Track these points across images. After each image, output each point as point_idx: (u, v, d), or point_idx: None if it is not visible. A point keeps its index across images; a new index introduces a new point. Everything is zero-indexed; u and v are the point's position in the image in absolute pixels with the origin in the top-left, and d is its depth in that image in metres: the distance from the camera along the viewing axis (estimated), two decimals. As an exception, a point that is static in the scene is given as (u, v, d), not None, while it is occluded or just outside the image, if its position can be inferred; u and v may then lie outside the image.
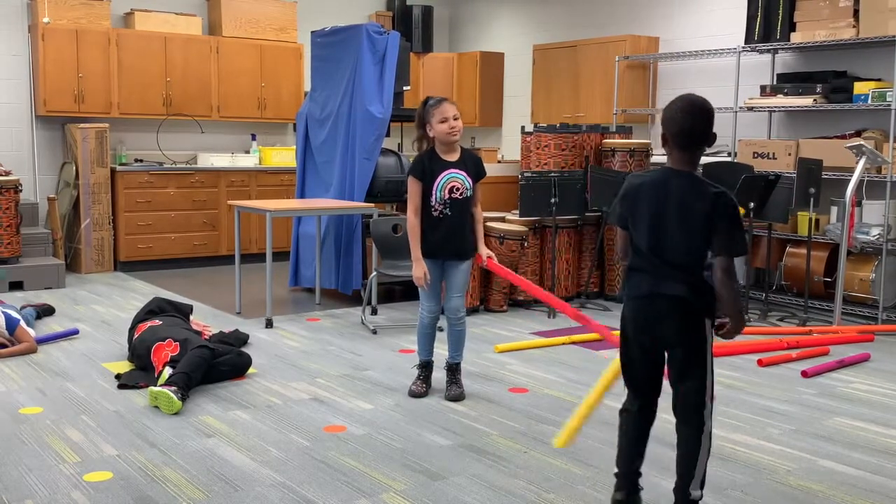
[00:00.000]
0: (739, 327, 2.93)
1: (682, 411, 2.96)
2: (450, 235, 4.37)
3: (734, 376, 5.02)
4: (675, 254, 2.88)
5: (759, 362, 5.25)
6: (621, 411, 3.11)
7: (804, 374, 5.02)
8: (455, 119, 4.35)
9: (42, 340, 5.51)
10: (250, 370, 4.91)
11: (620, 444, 3.11)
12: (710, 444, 2.97)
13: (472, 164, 4.46)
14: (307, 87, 8.17)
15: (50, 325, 6.01)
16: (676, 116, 2.89)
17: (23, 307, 6.00)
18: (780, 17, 7.08)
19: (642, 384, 3.06)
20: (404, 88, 7.12)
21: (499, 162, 9.25)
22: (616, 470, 3.11)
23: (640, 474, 3.11)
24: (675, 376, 2.96)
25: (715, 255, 2.84)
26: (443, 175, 4.37)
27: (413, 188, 4.38)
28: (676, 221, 2.87)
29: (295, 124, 7.78)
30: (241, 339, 5.55)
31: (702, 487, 2.97)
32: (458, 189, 4.37)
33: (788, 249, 7.05)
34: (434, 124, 4.35)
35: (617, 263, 7.18)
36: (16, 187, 7.32)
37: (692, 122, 2.88)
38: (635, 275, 2.98)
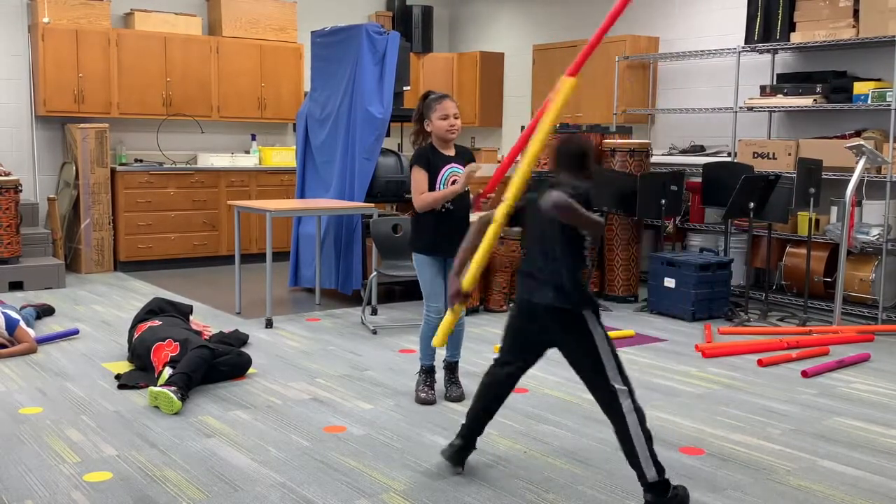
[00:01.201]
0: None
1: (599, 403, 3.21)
2: (453, 230, 4.17)
3: (734, 376, 5.02)
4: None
5: (759, 362, 5.25)
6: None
7: (804, 374, 5.02)
8: (455, 118, 4.32)
9: (42, 340, 5.51)
10: (250, 370, 4.91)
11: (477, 395, 3.52)
12: (640, 420, 3.09)
13: (467, 158, 4.43)
14: (307, 87, 8.18)
15: (50, 326, 6.01)
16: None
17: (23, 307, 6.00)
18: (779, 17, 7.08)
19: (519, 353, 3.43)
20: (404, 88, 7.12)
21: (498, 162, 9.26)
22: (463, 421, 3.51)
23: (480, 432, 3.52)
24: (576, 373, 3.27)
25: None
26: (445, 169, 4.34)
27: (419, 176, 4.28)
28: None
29: (295, 124, 7.79)
30: (241, 339, 5.55)
31: (656, 467, 3.07)
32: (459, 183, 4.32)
33: (788, 249, 7.05)
34: (434, 120, 4.31)
35: (616, 263, 7.18)
36: (16, 187, 7.32)
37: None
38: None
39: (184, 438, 3.87)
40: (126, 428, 4.00)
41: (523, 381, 4.82)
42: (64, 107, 8.28)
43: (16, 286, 7.30)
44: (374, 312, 6.56)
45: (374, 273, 6.20)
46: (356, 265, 6.84)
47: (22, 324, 5.39)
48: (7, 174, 7.39)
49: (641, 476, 3.09)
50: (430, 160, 4.32)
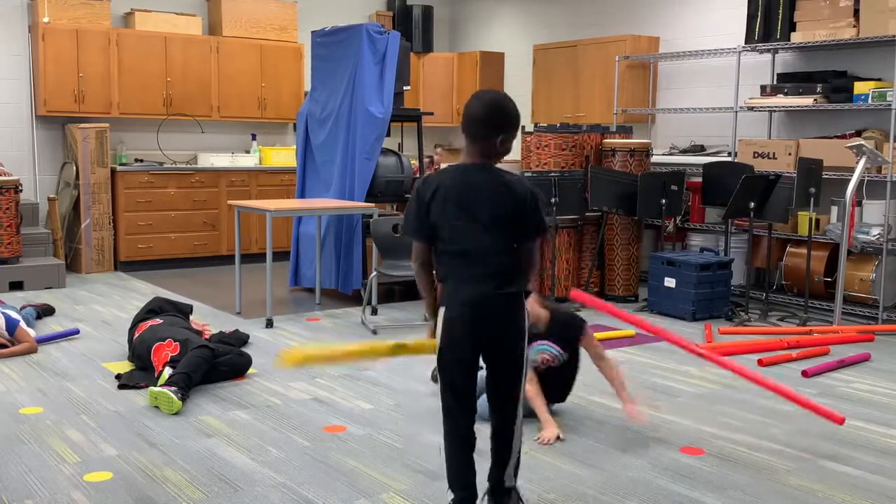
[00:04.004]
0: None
1: None
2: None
3: (734, 376, 5.02)
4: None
5: (760, 362, 5.25)
6: None
7: (804, 373, 5.02)
8: None
9: (42, 340, 5.51)
10: (250, 370, 4.91)
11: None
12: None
13: None
14: (307, 86, 8.17)
15: (50, 325, 6.01)
16: (469, 104, 2.87)
17: (23, 307, 6.00)
18: (780, 17, 7.08)
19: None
20: (404, 88, 7.12)
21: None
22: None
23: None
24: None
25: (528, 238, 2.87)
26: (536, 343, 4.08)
27: None
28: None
29: (295, 124, 7.79)
30: (241, 339, 5.55)
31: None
32: None
33: (789, 249, 7.05)
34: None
35: (616, 263, 7.18)
36: (16, 187, 7.33)
37: (475, 109, 2.84)
38: (449, 283, 2.87)
39: (184, 438, 3.87)
40: (126, 428, 4.00)
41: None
42: (64, 107, 8.28)
43: (16, 286, 7.30)
44: (375, 312, 6.56)
45: (375, 273, 6.20)
46: (356, 265, 6.84)
47: (22, 324, 5.40)
48: (7, 174, 7.39)
49: (502, 478, 2.96)
50: None
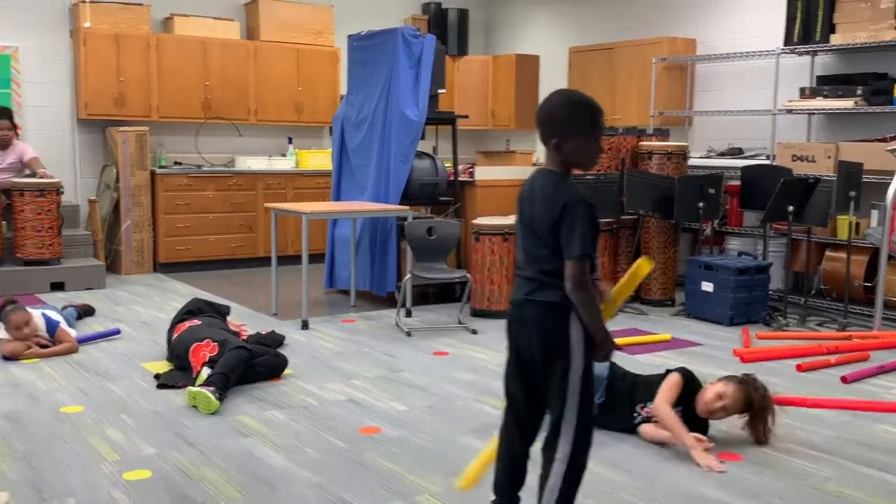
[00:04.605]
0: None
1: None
2: None
3: (773, 381, 4.95)
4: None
5: (798, 367, 5.19)
6: None
7: (844, 379, 4.95)
8: None
9: (84, 340, 5.59)
10: (286, 371, 4.95)
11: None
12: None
13: None
14: (343, 90, 8.22)
15: (90, 326, 6.10)
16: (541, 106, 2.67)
17: (64, 307, 6.10)
18: (819, 19, 7.00)
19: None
20: (439, 91, 7.13)
21: (534, 165, 9.24)
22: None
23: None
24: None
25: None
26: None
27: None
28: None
29: (331, 127, 7.83)
30: (277, 340, 5.59)
31: None
32: None
33: (828, 254, 6.96)
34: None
35: (653, 267, 7.13)
36: (58, 189, 7.45)
37: (540, 109, 2.65)
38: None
39: (221, 438, 3.91)
40: (165, 427, 4.05)
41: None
42: (105, 110, 8.40)
43: (57, 287, 7.42)
44: (409, 314, 6.58)
45: (409, 275, 6.22)
46: (391, 267, 6.86)
47: (63, 325, 5.48)
48: (49, 176, 7.52)
49: None
50: None
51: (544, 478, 2.67)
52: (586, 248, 2.56)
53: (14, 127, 7.64)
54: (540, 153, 10.13)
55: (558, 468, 2.62)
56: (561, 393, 2.61)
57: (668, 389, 3.88)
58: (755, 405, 3.87)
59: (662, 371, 4.07)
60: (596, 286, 2.67)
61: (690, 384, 3.95)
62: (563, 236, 2.57)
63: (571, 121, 2.61)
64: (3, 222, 7.36)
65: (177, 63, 8.65)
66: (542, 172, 2.71)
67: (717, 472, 3.58)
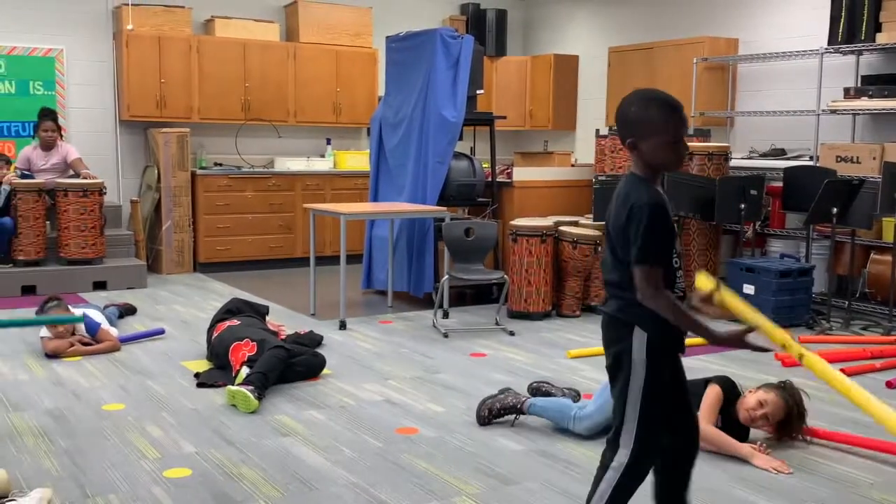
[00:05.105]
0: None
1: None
2: None
3: (816, 386, 4.87)
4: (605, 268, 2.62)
5: (842, 372, 5.09)
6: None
7: (889, 384, 4.85)
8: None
9: (128, 339, 5.66)
10: (324, 371, 4.97)
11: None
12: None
13: None
14: (381, 91, 8.24)
15: (132, 325, 6.18)
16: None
17: (106, 307, 6.18)
18: (864, 18, 6.87)
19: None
20: (478, 92, 7.12)
21: (572, 166, 9.19)
22: None
23: None
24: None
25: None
26: None
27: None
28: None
29: (369, 128, 7.86)
30: (315, 340, 5.62)
31: None
32: None
33: (872, 256, 6.84)
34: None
35: (693, 269, 7.06)
36: (100, 190, 7.56)
37: (617, 109, 2.54)
38: None
39: (260, 437, 3.94)
40: (204, 425, 4.09)
41: (595, 387, 4.79)
42: (147, 112, 8.51)
43: (99, 286, 7.52)
44: (446, 316, 6.57)
45: (446, 276, 6.22)
46: (428, 268, 6.86)
47: (104, 325, 5.54)
48: (92, 177, 7.64)
49: None
50: None
51: (597, 481, 2.66)
52: (648, 256, 2.43)
53: (59, 128, 7.77)
54: (578, 153, 10.08)
55: (611, 476, 2.60)
56: (621, 403, 2.58)
57: (709, 410, 3.79)
58: (792, 413, 3.82)
59: (703, 377, 4.01)
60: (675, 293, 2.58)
61: (730, 393, 3.90)
62: (630, 242, 2.46)
63: (642, 118, 2.48)
64: (47, 222, 7.49)
65: (217, 65, 8.74)
66: (625, 176, 2.61)
67: (785, 474, 3.55)
